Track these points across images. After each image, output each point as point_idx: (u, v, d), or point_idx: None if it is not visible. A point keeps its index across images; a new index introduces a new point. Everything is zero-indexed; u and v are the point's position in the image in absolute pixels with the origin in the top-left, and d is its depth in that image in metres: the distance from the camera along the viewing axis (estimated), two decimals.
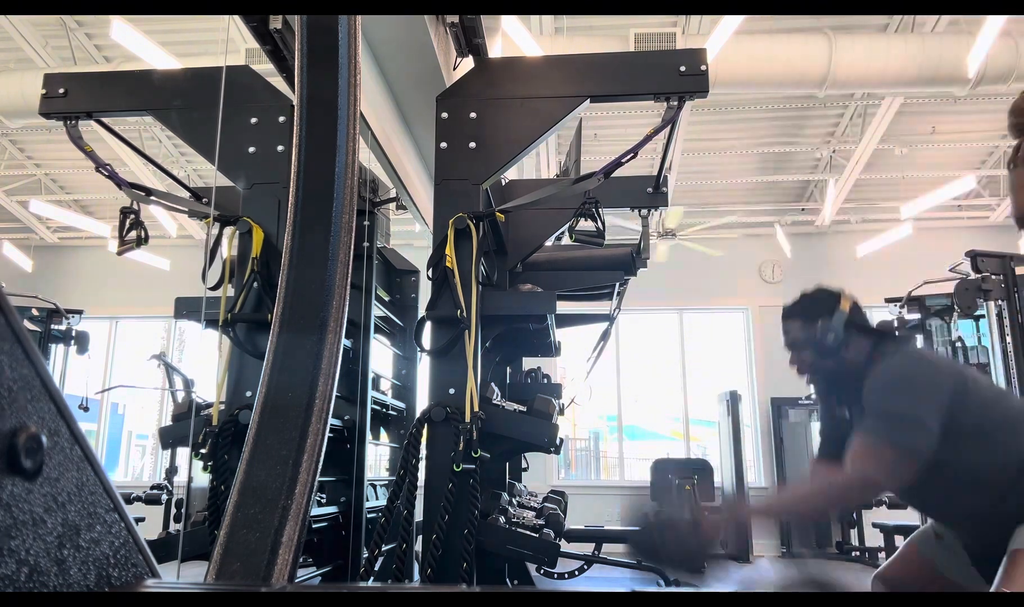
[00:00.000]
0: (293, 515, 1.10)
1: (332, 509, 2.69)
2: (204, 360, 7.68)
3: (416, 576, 2.54)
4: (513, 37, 4.31)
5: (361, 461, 2.81)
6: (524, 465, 4.16)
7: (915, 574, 1.91)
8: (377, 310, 3.10)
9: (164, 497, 5.75)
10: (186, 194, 2.98)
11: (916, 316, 5.83)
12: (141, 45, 4.78)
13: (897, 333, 1.98)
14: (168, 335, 9.34)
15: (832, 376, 1.97)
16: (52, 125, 3.59)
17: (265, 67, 2.57)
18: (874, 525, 6.88)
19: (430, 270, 2.39)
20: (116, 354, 9.16)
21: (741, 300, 8.72)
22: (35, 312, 5.88)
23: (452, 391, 2.31)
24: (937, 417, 1.68)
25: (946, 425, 1.68)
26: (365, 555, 2.49)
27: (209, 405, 2.52)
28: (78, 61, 6.08)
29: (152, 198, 2.63)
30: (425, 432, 2.31)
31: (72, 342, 6.02)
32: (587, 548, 4.81)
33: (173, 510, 5.58)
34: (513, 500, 3.02)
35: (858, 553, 7.24)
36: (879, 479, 1.70)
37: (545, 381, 4.23)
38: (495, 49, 3.07)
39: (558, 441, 2.38)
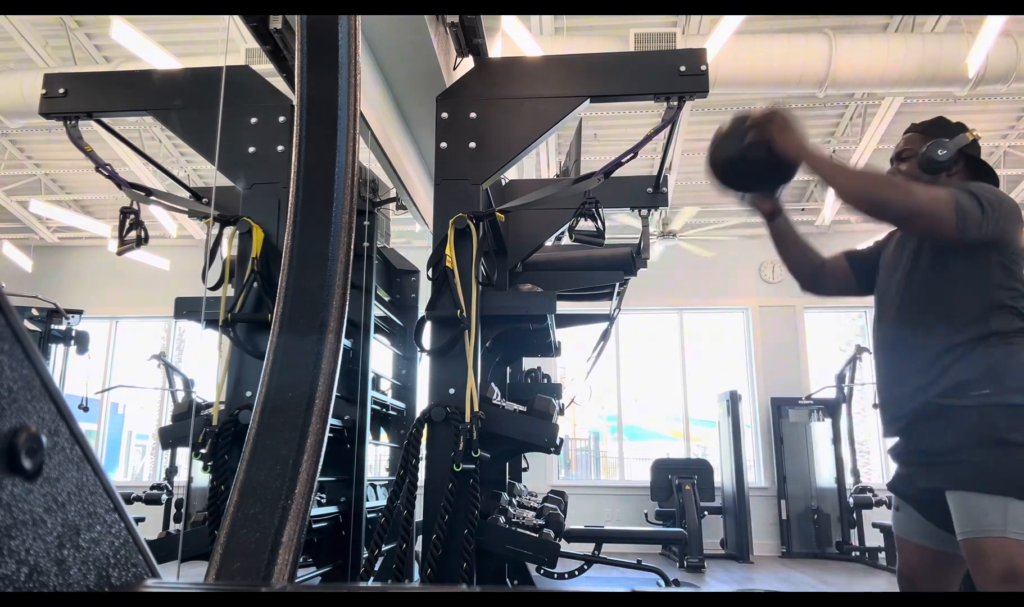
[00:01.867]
0: (293, 515, 1.10)
1: (332, 509, 2.69)
2: (204, 360, 7.68)
3: (416, 576, 2.55)
4: (513, 37, 4.31)
5: (361, 461, 2.81)
6: (524, 465, 4.16)
7: (910, 557, 1.91)
8: (377, 310, 3.10)
9: (164, 497, 5.75)
10: (186, 194, 2.98)
11: None
12: (141, 45, 4.78)
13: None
14: (168, 335, 9.34)
15: None
16: (52, 125, 3.59)
17: (265, 67, 2.57)
18: (874, 525, 6.88)
19: (430, 270, 2.39)
20: (116, 354, 9.17)
21: (741, 300, 8.73)
22: (35, 312, 5.89)
23: (452, 391, 2.31)
24: (992, 228, 1.69)
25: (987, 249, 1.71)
26: (365, 555, 2.50)
27: (209, 405, 2.52)
28: (78, 61, 6.08)
29: (152, 198, 2.63)
30: (425, 432, 2.31)
31: (72, 342, 6.02)
32: (587, 548, 4.82)
33: (173, 510, 5.59)
34: (513, 500, 3.02)
35: (858, 553, 7.24)
36: (921, 205, 1.70)
37: (545, 381, 4.24)
38: (495, 49, 3.07)
39: (558, 441, 2.38)
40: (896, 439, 1.88)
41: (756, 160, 1.90)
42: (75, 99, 2.69)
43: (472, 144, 2.52)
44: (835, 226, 8.61)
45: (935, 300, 1.79)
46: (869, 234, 8.28)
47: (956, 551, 1.69)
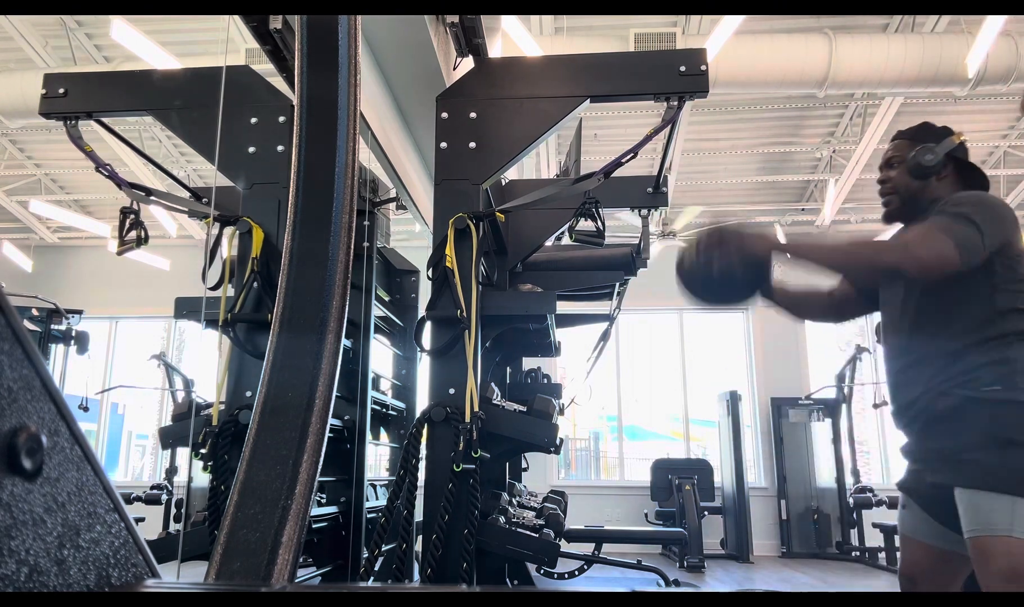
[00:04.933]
0: (293, 515, 1.10)
1: (332, 509, 2.69)
2: (204, 360, 7.68)
3: (416, 576, 2.55)
4: (513, 37, 4.31)
5: (361, 461, 2.81)
6: (524, 465, 4.16)
7: (914, 555, 1.91)
8: (377, 310, 3.10)
9: (164, 497, 5.75)
10: (186, 194, 2.98)
11: None
12: (141, 45, 4.78)
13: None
14: (168, 335, 9.34)
15: (913, 200, 1.95)
16: (52, 125, 3.59)
17: (265, 67, 2.57)
18: (874, 525, 6.88)
19: (430, 270, 2.39)
20: (116, 354, 9.17)
21: None
22: (35, 312, 5.89)
23: (452, 391, 2.31)
24: (991, 242, 1.69)
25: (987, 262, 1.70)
26: (365, 555, 2.50)
27: (209, 405, 2.52)
28: (78, 61, 6.08)
29: (152, 198, 2.63)
30: (425, 432, 2.31)
31: (72, 342, 6.02)
32: (587, 548, 4.82)
33: (173, 510, 5.59)
34: (513, 500, 3.03)
35: (858, 553, 7.24)
36: (920, 255, 1.67)
37: (545, 381, 4.24)
38: (495, 49, 3.07)
39: (558, 441, 2.38)
40: (908, 438, 1.89)
41: (730, 277, 1.91)
42: (75, 99, 2.69)
43: (472, 144, 2.52)
44: (835, 225, 8.61)
45: (940, 305, 1.80)
46: (869, 233, 8.28)
47: (960, 551, 1.69)
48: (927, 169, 1.90)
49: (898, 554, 1.98)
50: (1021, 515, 1.55)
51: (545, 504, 3.19)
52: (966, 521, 1.62)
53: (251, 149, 2.56)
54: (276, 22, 2.14)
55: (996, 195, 1.89)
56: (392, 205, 3.31)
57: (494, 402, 2.45)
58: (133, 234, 2.59)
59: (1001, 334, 1.70)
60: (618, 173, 2.51)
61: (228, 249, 2.49)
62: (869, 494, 7.04)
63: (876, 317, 2.08)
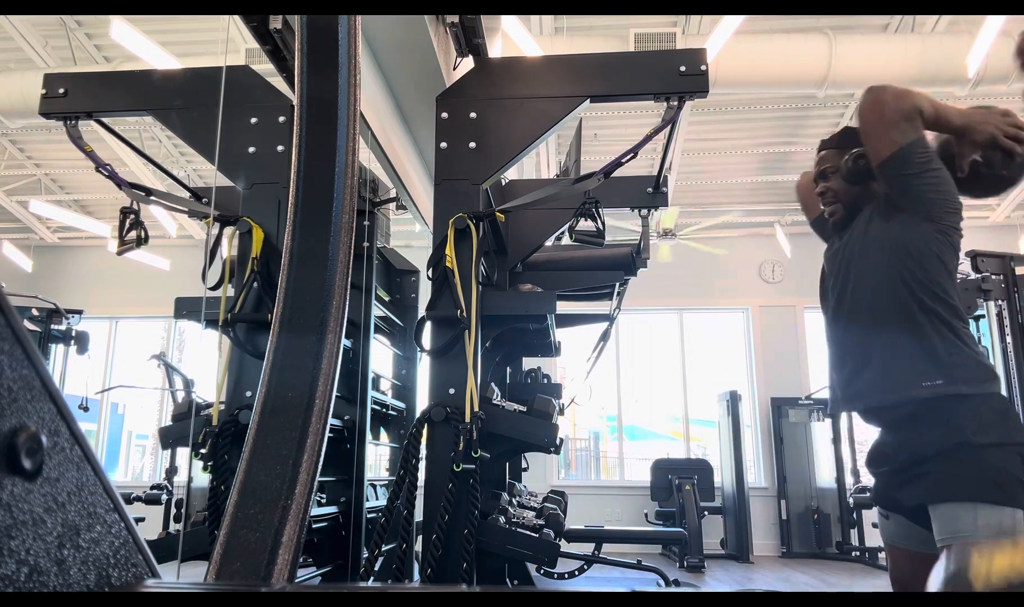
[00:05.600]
0: (293, 515, 1.10)
1: (332, 509, 2.69)
2: (204, 360, 7.68)
3: (416, 576, 2.55)
4: (513, 37, 4.31)
5: (361, 461, 2.81)
6: (524, 465, 4.17)
7: (902, 562, 1.91)
8: (377, 310, 3.10)
9: (164, 497, 5.75)
10: (186, 194, 2.98)
11: None
12: (141, 45, 4.78)
13: None
14: (168, 335, 9.34)
15: (856, 204, 1.94)
16: (52, 125, 3.59)
17: (265, 67, 2.57)
18: (874, 525, 6.87)
19: (430, 270, 2.39)
20: (116, 354, 9.17)
21: (741, 300, 8.72)
22: (35, 312, 5.89)
23: (452, 391, 2.31)
24: (930, 187, 1.75)
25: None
26: (365, 555, 2.50)
27: (209, 405, 2.52)
28: (78, 61, 6.08)
29: (152, 198, 2.64)
30: (425, 432, 2.32)
31: (72, 342, 6.02)
32: (587, 548, 4.82)
33: (173, 510, 5.58)
34: (513, 500, 3.03)
35: (858, 553, 7.24)
36: (897, 132, 1.79)
37: (545, 381, 4.24)
38: (495, 49, 3.07)
39: (558, 441, 2.38)
40: (869, 448, 1.89)
41: None
42: (75, 99, 2.69)
43: (472, 144, 2.53)
44: None
45: (880, 291, 1.79)
46: None
47: None
48: (864, 173, 1.91)
49: (888, 562, 1.97)
50: (984, 520, 1.57)
51: (545, 504, 3.20)
52: (937, 532, 1.63)
53: (251, 149, 2.56)
54: (276, 22, 2.14)
55: None
56: (392, 205, 3.31)
57: (494, 402, 2.45)
58: (133, 234, 2.59)
59: (941, 323, 1.70)
60: (618, 173, 2.51)
61: (228, 249, 2.49)
62: (869, 494, 7.04)
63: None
